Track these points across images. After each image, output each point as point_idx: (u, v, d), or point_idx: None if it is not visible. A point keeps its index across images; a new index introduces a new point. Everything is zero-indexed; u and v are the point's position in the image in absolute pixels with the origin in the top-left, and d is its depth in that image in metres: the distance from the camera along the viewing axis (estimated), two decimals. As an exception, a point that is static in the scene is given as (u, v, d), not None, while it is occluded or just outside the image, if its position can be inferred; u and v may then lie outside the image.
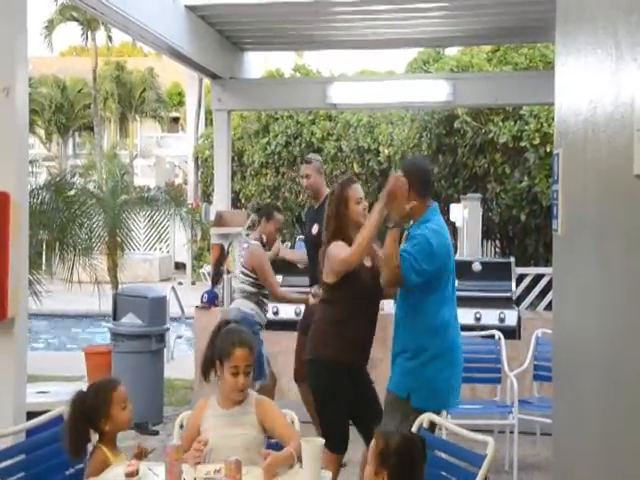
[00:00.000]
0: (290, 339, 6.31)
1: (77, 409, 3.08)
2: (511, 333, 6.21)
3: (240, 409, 3.21)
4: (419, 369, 3.76)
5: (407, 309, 3.83)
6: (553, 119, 3.02)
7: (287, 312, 6.56)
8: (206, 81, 15.83)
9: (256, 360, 4.89)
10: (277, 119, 12.95)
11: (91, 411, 3.06)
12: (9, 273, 3.60)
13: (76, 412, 3.07)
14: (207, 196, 15.82)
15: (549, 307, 7.18)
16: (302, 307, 6.34)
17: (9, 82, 3.68)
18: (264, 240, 5.59)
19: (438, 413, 3.67)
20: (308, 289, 5.53)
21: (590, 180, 2.40)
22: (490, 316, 6.38)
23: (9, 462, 3.08)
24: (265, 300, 5.60)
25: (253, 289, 5.51)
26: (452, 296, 3.89)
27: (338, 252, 3.93)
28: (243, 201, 13.49)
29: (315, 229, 5.39)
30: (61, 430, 3.19)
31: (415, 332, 3.78)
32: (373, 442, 2.61)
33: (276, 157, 13.05)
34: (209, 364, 3.28)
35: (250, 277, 5.50)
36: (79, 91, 30.01)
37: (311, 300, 5.25)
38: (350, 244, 3.93)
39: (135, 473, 2.81)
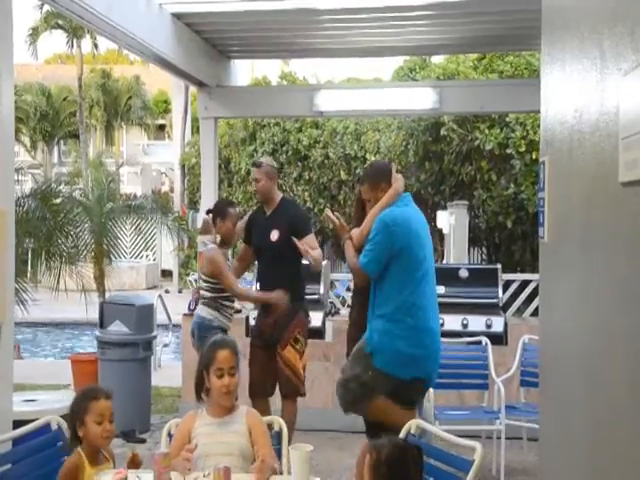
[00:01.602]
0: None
1: (70, 405, 3.16)
2: (498, 339, 6.24)
3: (230, 418, 3.22)
4: (386, 335, 4.05)
5: (383, 281, 4.12)
6: (539, 126, 3.06)
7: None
8: (192, 89, 15.83)
9: None
10: (264, 127, 12.97)
11: (73, 411, 3.12)
12: (-4, 281, 3.59)
13: (69, 408, 3.15)
14: (193, 203, 15.81)
15: (535, 313, 7.21)
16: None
17: (-5, 91, 3.68)
18: (218, 241, 5.40)
19: (395, 380, 4.02)
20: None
21: (576, 188, 2.42)
22: (477, 322, 6.41)
23: (-5, 471, 3.07)
24: (227, 303, 5.37)
25: (212, 294, 5.32)
26: (426, 279, 4.11)
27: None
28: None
29: (275, 235, 5.24)
30: (50, 437, 3.22)
31: (388, 303, 4.08)
32: (367, 455, 2.58)
33: (263, 164, 13.05)
34: (200, 382, 3.29)
35: (208, 282, 5.33)
36: (64, 99, 29.88)
37: (274, 297, 5.16)
38: None
39: (124, 480, 2.81)
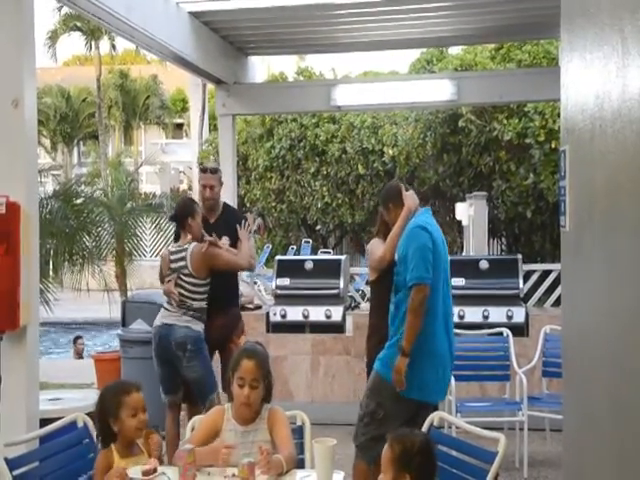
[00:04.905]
0: (297, 341, 6.39)
1: (98, 402, 3.18)
2: (519, 330, 6.22)
3: (254, 425, 3.19)
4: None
5: (398, 304, 4.01)
6: (558, 115, 3.04)
7: (295, 314, 6.59)
8: (210, 86, 15.85)
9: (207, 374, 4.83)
10: (281, 123, 12.97)
11: (104, 407, 3.13)
12: (20, 282, 3.62)
13: (97, 405, 3.18)
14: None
15: (556, 303, 7.17)
16: (309, 309, 6.39)
17: (18, 94, 3.72)
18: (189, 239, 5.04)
19: (422, 404, 3.89)
20: None
21: (598, 175, 2.40)
22: (498, 313, 6.39)
23: (23, 469, 3.09)
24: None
25: (204, 304, 5.03)
26: (441, 298, 4.00)
27: (375, 250, 4.56)
28: (248, 205, 13.52)
29: (227, 242, 5.08)
30: (76, 435, 3.26)
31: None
32: (387, 448, 2.57)
33: (280, 160, 13.08)
34: (228, 382, 3.27)
35: (203, 285, 4.99)
36: (83, 100, 30.13)
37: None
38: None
39: (153, 471, 2.84)
